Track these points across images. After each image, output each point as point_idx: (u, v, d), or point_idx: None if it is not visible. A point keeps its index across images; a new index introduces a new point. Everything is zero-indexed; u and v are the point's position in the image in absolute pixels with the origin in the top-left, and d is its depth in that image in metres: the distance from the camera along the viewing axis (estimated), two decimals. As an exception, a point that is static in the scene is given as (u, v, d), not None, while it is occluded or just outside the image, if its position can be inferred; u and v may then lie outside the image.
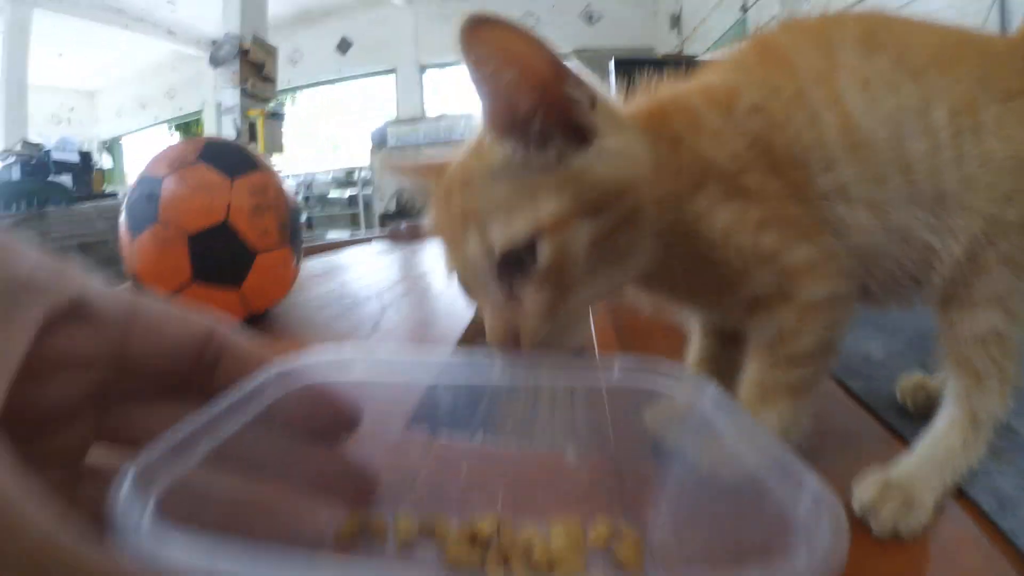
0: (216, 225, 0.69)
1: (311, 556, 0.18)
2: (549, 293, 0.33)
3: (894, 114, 0.37)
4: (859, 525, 0.37)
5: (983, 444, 0.42)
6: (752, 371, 0.40)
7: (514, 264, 0.33)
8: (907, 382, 0.52)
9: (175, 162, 0.72)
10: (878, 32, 0.39)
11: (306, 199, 5.60)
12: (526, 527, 0.35)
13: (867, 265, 0.39)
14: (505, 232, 0.32)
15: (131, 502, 0.20)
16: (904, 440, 0.46)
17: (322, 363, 0.33)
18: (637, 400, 0.36)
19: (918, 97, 0.37)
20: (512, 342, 0.34)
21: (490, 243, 0.32)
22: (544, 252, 0.32)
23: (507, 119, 0.32)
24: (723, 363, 0.49)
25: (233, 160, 0.73)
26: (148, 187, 0.71)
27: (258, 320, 0.78)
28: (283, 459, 0.31)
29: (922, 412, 0.46)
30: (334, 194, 5.09)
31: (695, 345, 0.51)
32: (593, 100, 0.32)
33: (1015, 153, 0.37)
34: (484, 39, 0.28)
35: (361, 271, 1.10)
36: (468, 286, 0.36)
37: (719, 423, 0.30)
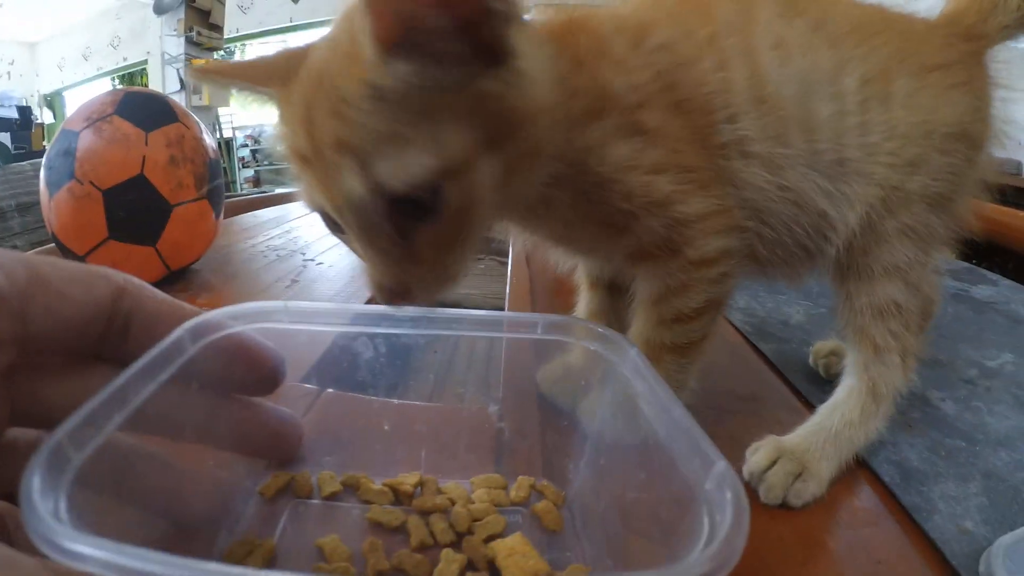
0: (131, 179, 0.66)
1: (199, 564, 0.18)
2: (448, 238, 0.30)
3: (804, 75, 0.36)
4: (751, 493, 0.37)
5: (884, 417, 0.42)
6: (637, 327, 0.39)
7: (406, 206, 0.28)
8: (821, 347, 0.53)
9: (92, 115, 0.68)
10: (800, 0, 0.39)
11: (254, 153, 5.44)
12: (448, 484, 0.35)
13: (756, 227, 0.38)
14: (399, 171, 0.27)
15: (43, 490, 0.19)
16: (811, 406, 0.46)
17: (237, 315, 0.32)
18: (539, 345, 0.37)
19: (831, 63, 0.37)
20: (403, 292, 0.31)
21: (377, 182, 0.28)
22: (450, 195, 0.28)
23: (402, 32, 0.26)
24: (611, 317, 0.48)
25: (150, 112, 0.69)
26: (66, 142, 0.67)
27: (177, 277, 0.75)
28: (205, 418, 0.31)
29: (834, 378, 0.46)
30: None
31: (583, 298, 0.50)
32: (515, 14, 0.27)
33: (923, 120, 0.37)
34: None
35: (295, 225, 1.07)
36: (342, 226, 0.31)
37: (638, 388, 0.30)
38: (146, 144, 0.66)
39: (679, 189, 0.34)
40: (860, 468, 0.41)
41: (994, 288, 0.76)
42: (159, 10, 3.59)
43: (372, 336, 0.37)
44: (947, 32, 0.40)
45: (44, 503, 0.19)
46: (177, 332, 0.28)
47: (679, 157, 0.34)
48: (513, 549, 0.29)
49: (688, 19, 0.37)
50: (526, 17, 0.30)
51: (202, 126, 0.73)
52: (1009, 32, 0.41)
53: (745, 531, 0.20)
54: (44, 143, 3.73)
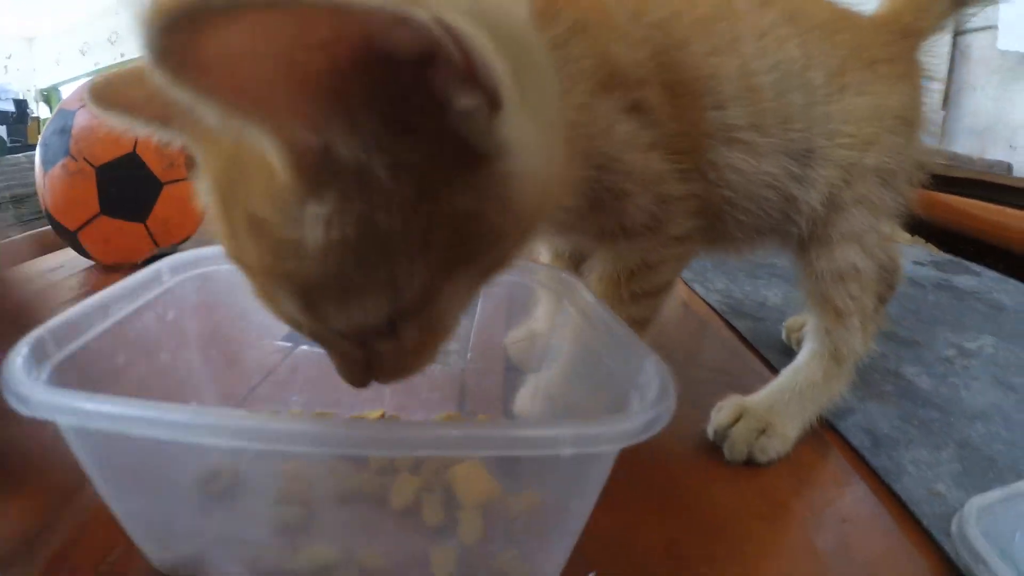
0: (124, 156, 0.67)
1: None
2: (412, 347, 0.26)
3: (781, 66, 0.37)
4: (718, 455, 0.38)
5: (846, 380, 0.43)
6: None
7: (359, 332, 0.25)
8: (793, 322, 0.54)
9: (88, 94, 0.69)
10: None
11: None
12: (410, 419, 0.37)
13: (730, 210, 0.39)
14: (343, 316, 0.23)
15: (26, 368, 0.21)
16: (782, 376, 0.46)
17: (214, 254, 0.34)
18: (509, 297, 0.38)
19: (802, 56, 0.38)
20: (368, 383, 0.27)
21: (322, 318, 0.23)
22: (410, 327, 0.24)
23: (317, 158, 0.19)
24: None
25: None
26: (62, 120, 0.68)
27: (165, 255, 0.75)
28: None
29: None
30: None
31: None
32: (499, 100, 0.18)
33: (875, 104, 0.40)
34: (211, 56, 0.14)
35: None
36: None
37: (589, 314, 0.32)
38: None
39: (668, 168, 0.35)
40: (828, 432, 0.42)
41: (977, 279, 0.76)
42: (159, 7, 3.59)
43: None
44: (889, 29, 0.43)
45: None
46: (156, 265, 0.29)
47: (671, 139, 0.35)
48: (468, 474, 0.30)
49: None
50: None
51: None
52: (936, 31, 0.45)
53: (671, 397, 0.22)
54: (40, 137, 3.72)
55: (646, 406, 0.22)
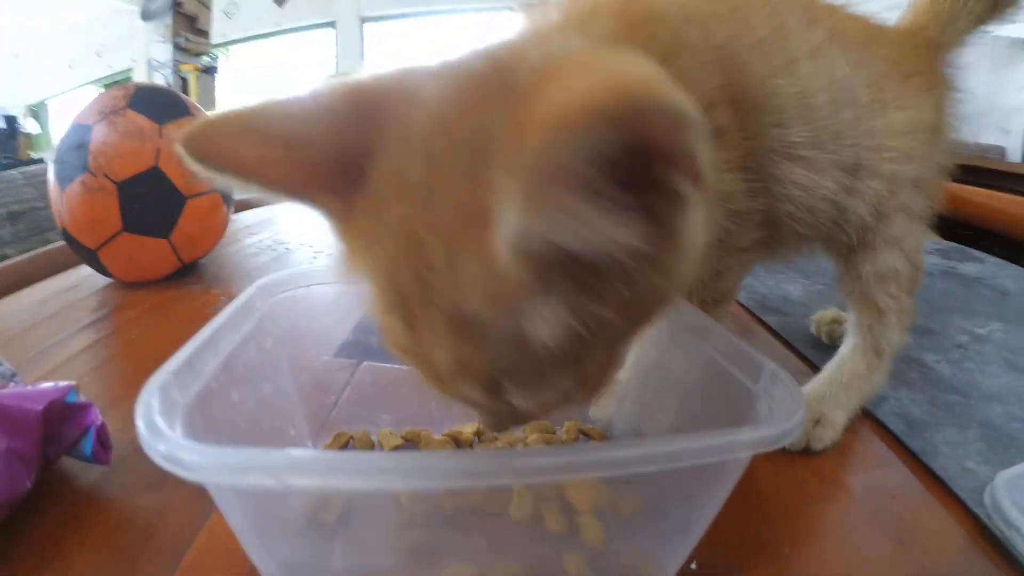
0: (146, 171, 0.67)
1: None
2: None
3: (834, 85, 0.39)
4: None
5: (886, 371, 0.46)
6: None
7: None
8: (822, 316, 0.56)
9: (105, 109, 0.69)
10: (812, 6, 0.41)
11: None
12: (504, 435, 0.38)
13: (790, 219, 0.40)
14: (532, 398, 0.24)
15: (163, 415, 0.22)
16: (816, 368, 0.49)
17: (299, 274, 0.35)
18: None
19: (850, 73, 0.40)
20: (512, 425, 0.29)
21: (506, 399, 0.24)
22: (577, 395, 0.25)
23: (553, 253, 0.18)
24: None
25: (163, 105, 0.70)
26: (78, 136, 0.67)
27: (189, 270, 0.76)
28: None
29: (834, 343, 0.50)
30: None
31: None
32: (699, 181, 0.18)
33: (911, 119, 0.41)
34: None
35: (294, 220, 1.07)
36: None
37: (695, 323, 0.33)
38: (160, 136, 0.67)
39: (740, 187, 0.36)
40: (867, 420, 0.44)
41: (981, 265, 0.79)
42: (147, 17, 3.57)
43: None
44: (915, 42, 0.44)
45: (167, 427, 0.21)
46: (250, 292, 0.30)
47: (741, 159, 0.36)
48: (577, 480, 0.31)
49: (738, 18, 0.37)
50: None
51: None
52: (958, 45, 0.46)
53: (803, 406, 0.23)
54: (30, 152, 3.68)
55: (784, 414, 0.24)
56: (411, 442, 0.37)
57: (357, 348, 0.50)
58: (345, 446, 0.36)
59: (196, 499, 0.34)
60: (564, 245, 0.17)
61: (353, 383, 0.44)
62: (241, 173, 0.22)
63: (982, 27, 0.46)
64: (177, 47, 3.53)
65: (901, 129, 0.41)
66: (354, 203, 0.22)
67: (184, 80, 3.61)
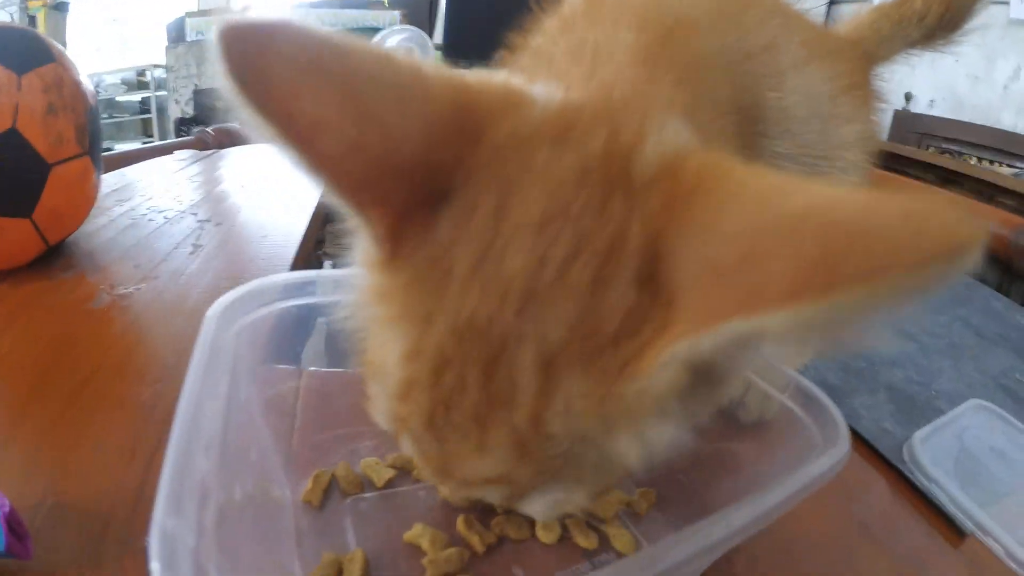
0: (1, 134, 0.52)
1: None
2: None
3: (811, 99, 0.40)
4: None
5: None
6: None
7: None
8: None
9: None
10: (778, 12, 0.41)
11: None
12: None
13: None
14: (549, 508, 0.22)
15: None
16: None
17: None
18: None
19: (816, 84, 0.41)
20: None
21: (524, 505, 0.22)
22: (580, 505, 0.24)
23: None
24: None
25: (22, 50, 0.55)
26: None
27: (56, 253, 0.63)
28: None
29: None
30: (123, 98, 4.24)
31: None
32: None
33: (857, 131, 0.44)
34: None
35: (167, 184, 0.93)
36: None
37: None
38: (19, 89, 0.53)
39: None
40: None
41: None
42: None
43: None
44: (856, 54, 0.47)
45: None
46: (212, 335, 0.25)
47: None
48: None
49: (740, 25, 0.37)
50: None
51: (77, 66, 0.60)
52: (888, 61, 0.50)
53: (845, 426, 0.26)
54: None
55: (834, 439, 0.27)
56: (403, 470, 0.34)
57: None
58: (327, 488, 0.32)
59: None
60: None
61: (304, 399, 0.39)
62: (287, 128, 0.17)
63: (910, 50, 0.51)
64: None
65: (850, 141, 0.44)
66: (405, 237, 0.19)
67: (32, 18, 3.11)
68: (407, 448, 0.22)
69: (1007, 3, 1.79)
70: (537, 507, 0.22)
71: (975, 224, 0.14)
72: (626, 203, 0.18)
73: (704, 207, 0.17)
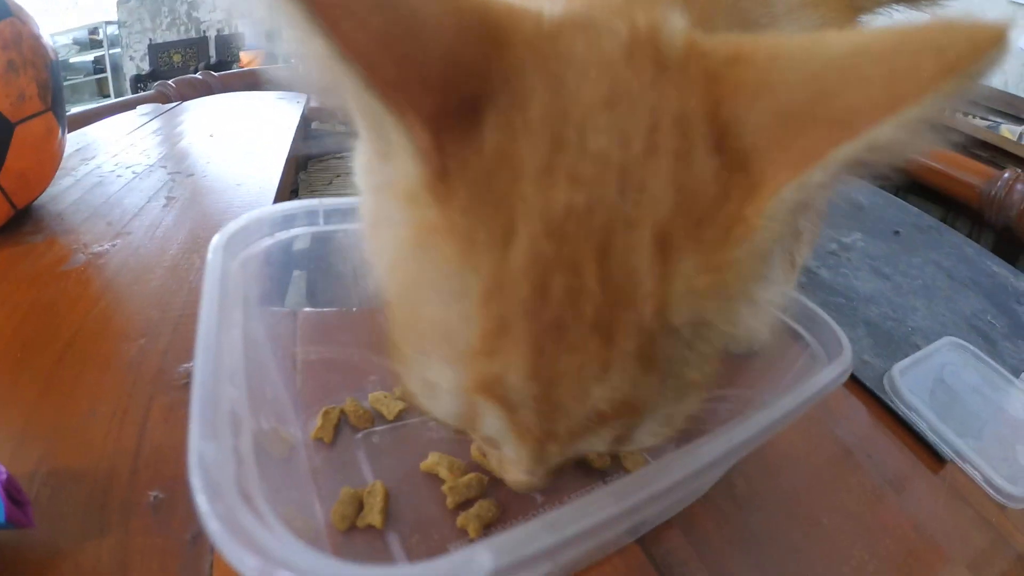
0: None
1: None
2: None
3: None
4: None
5: (795, 280, 0.52)
6: None
7: None
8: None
9: None
10: None
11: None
12: None
13: None
14: (654, 439, 0.21)
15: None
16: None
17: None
18: None
19: (805, 30, 0.39)
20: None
21: (629, 443, 0.21)
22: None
23: None
24: None
25: None
26: None
27: (24, 217, 0.60)
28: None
29: None
30: (76, 59, 4.03)
31: None
32: None
33: None
34: None
35: (132, 139, 0.89)
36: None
37: None
38: None
39: None
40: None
41: (832, 180, 0.92)
42: None
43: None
44: (842, 3, 0.46)
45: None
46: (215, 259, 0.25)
47: None
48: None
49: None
50: None
51: (36, 21, 0.57)
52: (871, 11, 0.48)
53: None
54: None
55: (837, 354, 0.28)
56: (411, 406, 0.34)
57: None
58: (337, 424, 0.32)
59: (158, 533, 0.29)
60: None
61: (303, 339, 0.40)
62: (333, 31, 0.14)
63: (895, 6, 0.49)
64: None
65: None
66: (450, 152, 0.16)
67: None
68: (491, 429, 0.19)
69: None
70: (644, 433, 0.20)
71: (983, 25, 0.15)
72: (674, 80, 0.18)
73: (748, 73, 0.17)
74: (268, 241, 0.30)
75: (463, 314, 0.17)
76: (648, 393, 0.18)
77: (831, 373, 0.27)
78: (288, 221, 0.31)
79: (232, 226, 0.29)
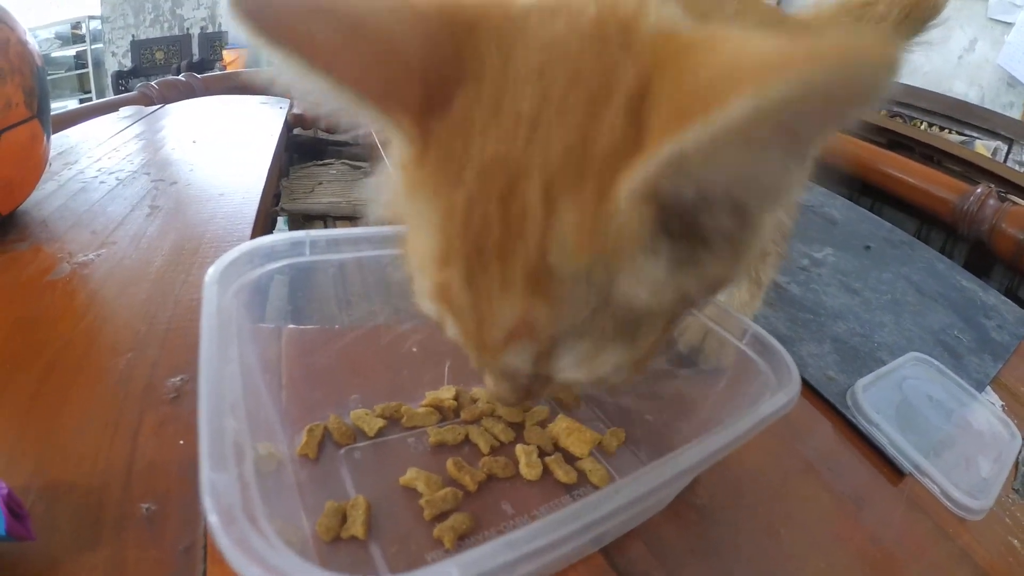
0: None
1: None
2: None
3: None
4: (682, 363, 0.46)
5: (761, 299, 0.54)
6: None
7: None
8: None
9: None
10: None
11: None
12: (476, 391, 0.39)
13: None
14: (579, 370, 0.23)
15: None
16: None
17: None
18: None
19: None
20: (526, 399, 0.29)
21: (546, 372, 0.23)
22: (620, 375, 0.25)
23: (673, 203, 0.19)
24: None
25: None
26: None
27: (8, 225, 0.60)
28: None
29: None
30: (57, 54, 3.96)
31: None
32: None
33: None
34: None
35: (114, 143, 0.89)
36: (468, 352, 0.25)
37: None
38: None
39: None
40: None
41: (810, 193, 0.94)
42: None
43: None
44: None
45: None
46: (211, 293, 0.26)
47: None
48: (569, 427, 0.34)
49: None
50: None
51: (21, 23, 0.57)
52: None
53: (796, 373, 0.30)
54: None
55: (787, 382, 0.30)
56: (393, 419, 0.36)
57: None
58: (321, 441, 0.34)
59: (151, 544, 0.30)
60: (690, 202, 0.18)
61: (287, 357, 0.41)
62: (311, 60, 0.19)
63: None
64: None
65: None
66: (432, 130, 0.20)
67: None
68: (451, 332, 0.23)
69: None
70: (568, 363, 0.22)
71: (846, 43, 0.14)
72: (625, 56, 0.19)
73: (689, 59, 0.18)
74: (259, 271, 0.31)
75: (429, 237, 0.21)
76: (544, 320, 0.21)
77: (777, 403, 0.29)
78: (277, 253, 0.33)
79: (225, 259, 0.31)
